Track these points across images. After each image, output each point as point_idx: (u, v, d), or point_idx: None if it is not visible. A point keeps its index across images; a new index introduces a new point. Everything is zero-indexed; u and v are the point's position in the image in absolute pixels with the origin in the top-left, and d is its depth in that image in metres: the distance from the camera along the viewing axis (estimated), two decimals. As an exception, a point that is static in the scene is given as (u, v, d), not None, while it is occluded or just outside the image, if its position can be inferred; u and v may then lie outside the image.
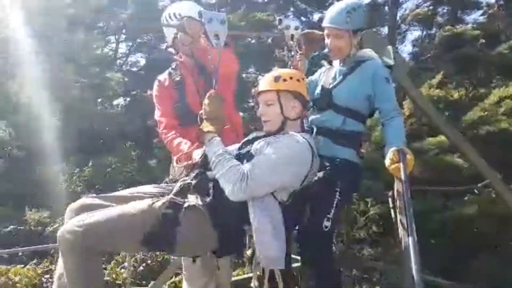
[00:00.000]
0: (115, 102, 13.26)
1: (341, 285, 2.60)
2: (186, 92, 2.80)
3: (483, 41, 9.48)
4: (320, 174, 2.25)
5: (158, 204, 1.97)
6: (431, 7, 12.94)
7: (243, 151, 2.16)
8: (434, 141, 6.17)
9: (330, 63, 2.86)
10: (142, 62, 15.62)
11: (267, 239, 1.93)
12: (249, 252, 2.13)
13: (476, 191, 5.09)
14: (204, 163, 2.16)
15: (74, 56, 10.11)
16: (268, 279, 2.01)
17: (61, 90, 9.62)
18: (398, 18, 14.04)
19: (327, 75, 2.79)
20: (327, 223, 2.36)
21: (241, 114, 3.71)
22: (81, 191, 8.33)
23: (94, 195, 2.21)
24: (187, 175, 2.19)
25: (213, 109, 2.16)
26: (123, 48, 15.72)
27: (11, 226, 7.24)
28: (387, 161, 2.35)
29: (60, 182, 8.53)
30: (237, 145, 2.29)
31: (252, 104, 9.70)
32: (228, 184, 1.93)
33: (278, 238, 1.94)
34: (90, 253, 1.91)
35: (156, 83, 2.92)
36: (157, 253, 4.97)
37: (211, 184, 2.03)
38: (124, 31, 13.72)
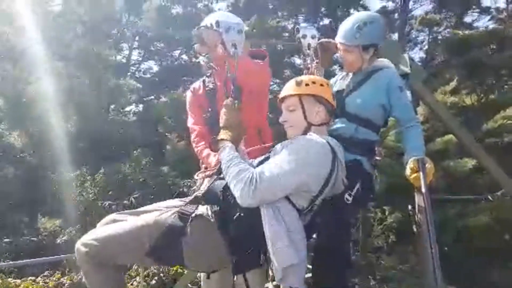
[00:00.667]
0: (127, 109, 13.39)
1: None
2: (217, 100, 2.78)
3: (493, 46, 9.39)
4: None
5: (165, 215, 1.97)
6: (439, 13, 12.94)
7: (263, 158, 2.08)
8: (442, 141, 6.10)
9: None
10: (155, 68, 15.84)
11: (281, 247, 1.75)
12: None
13: (491, 198, 5.01)
14: (220, 172, 2.06)
15: (89, 63, 10.24)
16: None
17: (75, 97, 9.75)
18: (407, 24, 14.07)
19: (341, 83, 2.78)
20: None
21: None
22: (94, 198, 8.40)
23: (125, 211, 2.23)
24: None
25: (228, 117, 2.14)
26: (135, 55, 15.94)
27: (24, 237, 7.29)
28: (407, 171, 2.33)
29: (72, 189, 8.60)
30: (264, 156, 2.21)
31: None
32: (236, 188, 1.81)
33: (294, 247, 1.76)
34: (103, 266, 1.95)
35: (189, 91, 2.94)
36: (170, 267, 4.93)
37: (220, 192, 1.94)
38: (137, 38, 13.85)
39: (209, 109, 2.77)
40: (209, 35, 2.68)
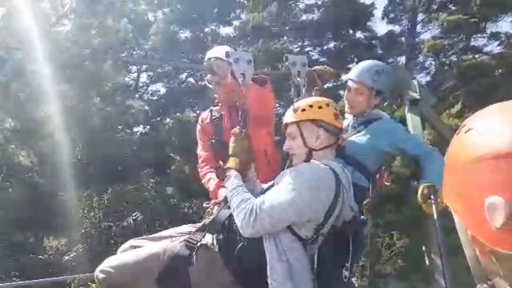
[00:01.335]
0: (135, 130, 13.48)
1: None
2: (223, 129, 2.87)
3: (502, 71, 9.44)
4: None
5: (174, 243, 1.98)
6: (447, 38, 13.00)
7: (268, 186, 2.07)
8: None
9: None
10: (163, 91, 16.00)
11: (280, 280, 1.70)
12: None
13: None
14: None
15: (98, 85, 10.39)
16: None
17: (84, 118, 9.85)
18: (415, 48, 14.13)
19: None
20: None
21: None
22: (100, 219, 8.38)
23: (143, 236, 2.28)
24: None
25: (236, 145, 2.16)
26: (144, 77, 16.16)
27: (31, 255, 7.27)
28: (419, 197, 2.32)
29: (79, 209, 8.61)
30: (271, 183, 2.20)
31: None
32: (238, 218, 1.79)
33: (294, 281, 1.71)
34: None
35: (199, 119, 3.08)
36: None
37: (225, 222, 1.94)
38: (145, 61, 14.07)
39: (215, 137, 2.87)
40: (219, 65, 2.77)
